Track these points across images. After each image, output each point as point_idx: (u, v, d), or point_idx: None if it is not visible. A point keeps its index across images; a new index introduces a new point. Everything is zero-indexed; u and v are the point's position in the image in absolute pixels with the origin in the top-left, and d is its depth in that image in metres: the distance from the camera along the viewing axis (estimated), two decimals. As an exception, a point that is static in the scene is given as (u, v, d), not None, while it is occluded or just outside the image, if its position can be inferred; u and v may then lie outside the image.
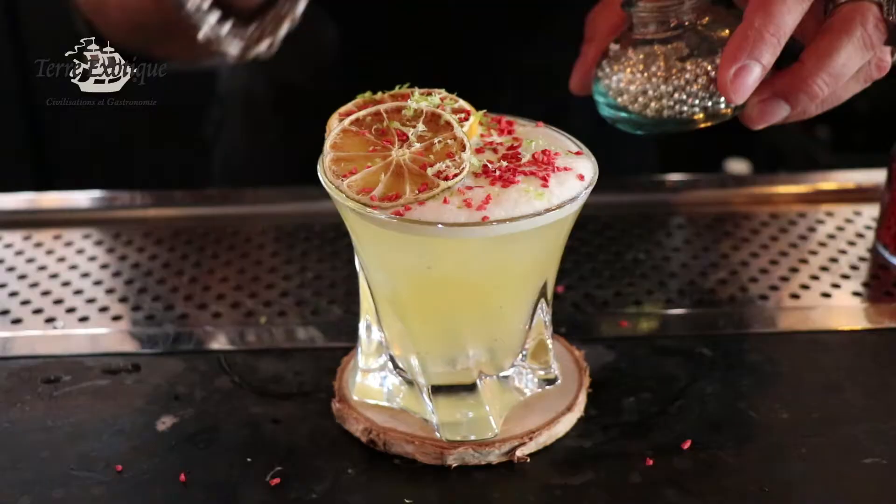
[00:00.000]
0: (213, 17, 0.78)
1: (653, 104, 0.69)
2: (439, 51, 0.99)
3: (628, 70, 0.69)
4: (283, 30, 0.79)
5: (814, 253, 0.88)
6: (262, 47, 0.80)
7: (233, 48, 0.79)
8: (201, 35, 0.78)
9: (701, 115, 0.69)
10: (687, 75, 0.68)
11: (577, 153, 0.64)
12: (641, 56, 0.69)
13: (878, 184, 0.91)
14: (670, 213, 0.95)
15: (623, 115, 0.70)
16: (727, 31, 0.68)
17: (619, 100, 0.70)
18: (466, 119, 0.64)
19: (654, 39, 0.69)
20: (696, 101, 0.68)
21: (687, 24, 0.69)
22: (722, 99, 0.67)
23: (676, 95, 0.68)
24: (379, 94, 0.67)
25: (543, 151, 0.62)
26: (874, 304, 0.81)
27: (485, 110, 0.66)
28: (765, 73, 0.64)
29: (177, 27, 0.78)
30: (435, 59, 0.88)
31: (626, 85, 0.69)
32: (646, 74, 0.69)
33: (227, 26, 0.78)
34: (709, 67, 0.68)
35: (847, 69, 0.65)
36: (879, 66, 0.67)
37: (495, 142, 0.64)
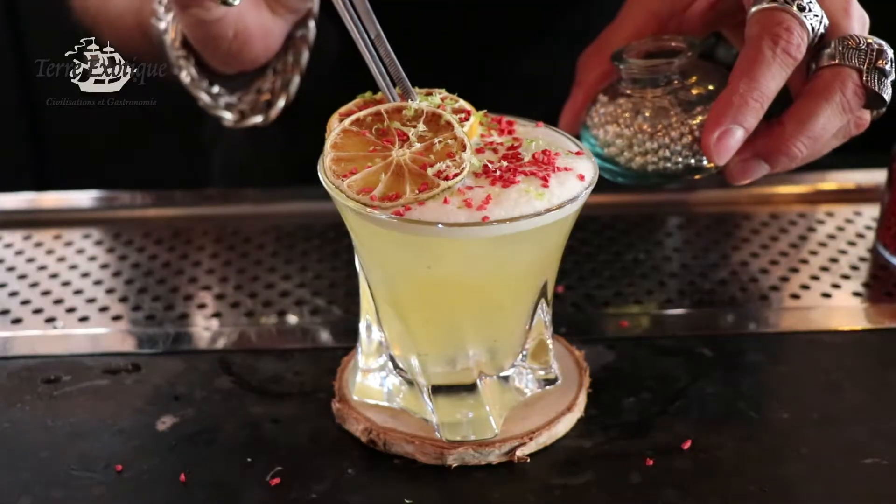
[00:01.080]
0: (210, 87, 0.80)
1: (637, 158, 0.70)
2: (440, 51, 0.99)
3: (615, 124, 0.71)
4: (294, 85, 0.82)
5: (814, 253, 0.88)
6: (261, 116, 0.82)
7: (228, 117, 0.81)
8: (200, 103, 0.80)
9: (684, 171, 0.70)
10: (672, 133, 0.69)
11: (578, 153, 0.64)
12: (628, 111, 0.71)
13: (878, 184, 0.91)
14: (670, 213, 0.95)
15: (608, 165, 0.72)
16: (713, 89, 0.69)
17: (606, 151, 0.71)
18: (467, 119, 0.64)
19: (642, 96, 0.70)
20: (680, 159, 0.69)
21: (675, 82, 0.70)
22: (705, 157, 0.68)
23: (661, 152, 0.69)
24: (379, 94, 0.67)
25: (544, 151, 0.62)
26: (874, 304, 0.81)
27: (485, 110, 0.66)
28: (747, 136, 0.66)
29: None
30: (436, 60, 0.88)
31: (612, 138, 0.71)
32: (632, 129, 0.70)
33: (223, 98, 0.81)
34: (694, 126, 0.69)
35: (826, 131, 0.66)
36: (858, 124, 0.69)
37: (495, 142, 0.64)
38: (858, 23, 0.68)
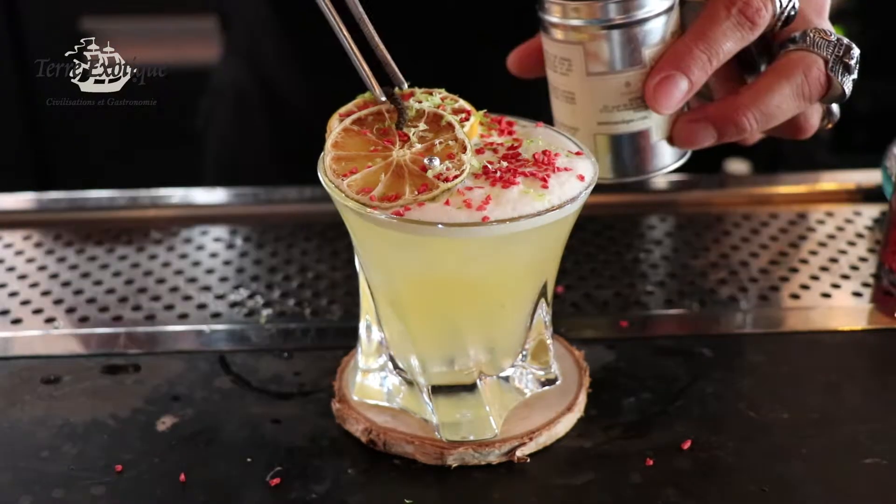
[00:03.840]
0: None
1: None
2: (440, 51, 0.99)
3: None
4: None
5: (814, 253, 0.88)
6: None
7: None
8: None
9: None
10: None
11: (578, 153, 0.64)
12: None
13: (878, 184, 0.91)
14: (671, 213, 0.95)
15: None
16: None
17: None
18: (467, 119, 0.64)
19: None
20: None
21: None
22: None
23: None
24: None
25: (543, 152, 0.62)
26: (874, 304, 0.81)
27: (485, 110, 0.66)
28: (693, 89, 0.65)
29: None
30: (436, 59, 0.88)
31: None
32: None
33: None
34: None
35: (780, 112, 0.66)
36: (805, 126, 0.69)
37: (495, 142, 0.64)
38: (829, 25, 0.68)
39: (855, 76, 0.66)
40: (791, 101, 0.65)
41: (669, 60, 0.65)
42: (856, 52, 0.65)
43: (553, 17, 0.66)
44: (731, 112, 0.66)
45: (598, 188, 0.62)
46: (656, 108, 0.65)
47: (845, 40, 0.66)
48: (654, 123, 0.68)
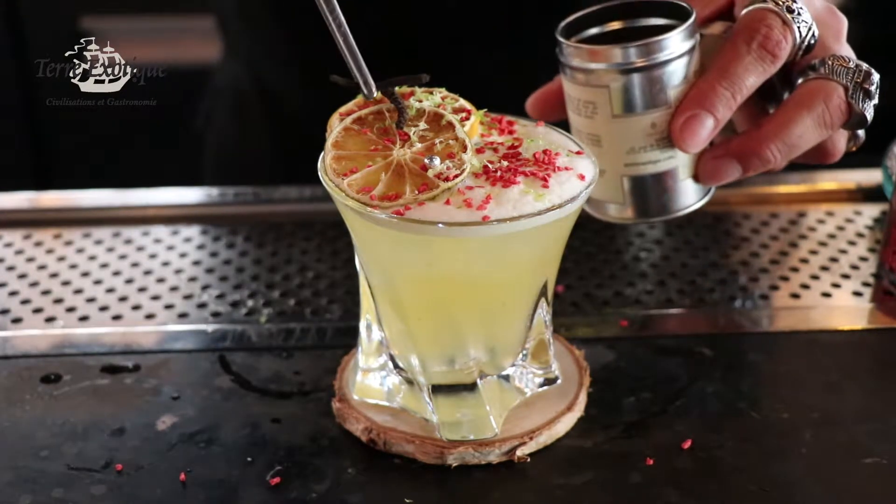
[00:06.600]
0: None
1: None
2: (440, 49, 0.99)
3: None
4: None
5: (814, 253, 0.88)
6: None
7: None
8: None
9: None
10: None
11: (578, 153, 0.64)
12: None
13: (878, 183, 0.91)
14: (670, 213, 0.95)
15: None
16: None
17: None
18: (467, 118, 0.64)
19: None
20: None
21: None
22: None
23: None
24: (378, 94, 0.67)
25: (544, 151, 0.62)
26: (874, 304, 0.81)
27: (485, 109, 0.66)
28: (719, 126, 0.65)
29: None
30: (436, 58, 0.88)
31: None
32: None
33: None
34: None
35: (802, 142, 0.66)
36: (832, 151, 0.69)
37: (496, 141, 0.64)
38: (848, 50, 0.68)
39: (876, 101, 0.66)
40: (813, 130, 0.65)
41: (694, 99, 0.64)
42: (875, 77, 0.65)
43: (575, 61, 0.66)
44: (755, 146, 0.66)
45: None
46: (683, 147, 0.65)
47: (864, 66, 0.66)
48: (679, 163, 0.68)
